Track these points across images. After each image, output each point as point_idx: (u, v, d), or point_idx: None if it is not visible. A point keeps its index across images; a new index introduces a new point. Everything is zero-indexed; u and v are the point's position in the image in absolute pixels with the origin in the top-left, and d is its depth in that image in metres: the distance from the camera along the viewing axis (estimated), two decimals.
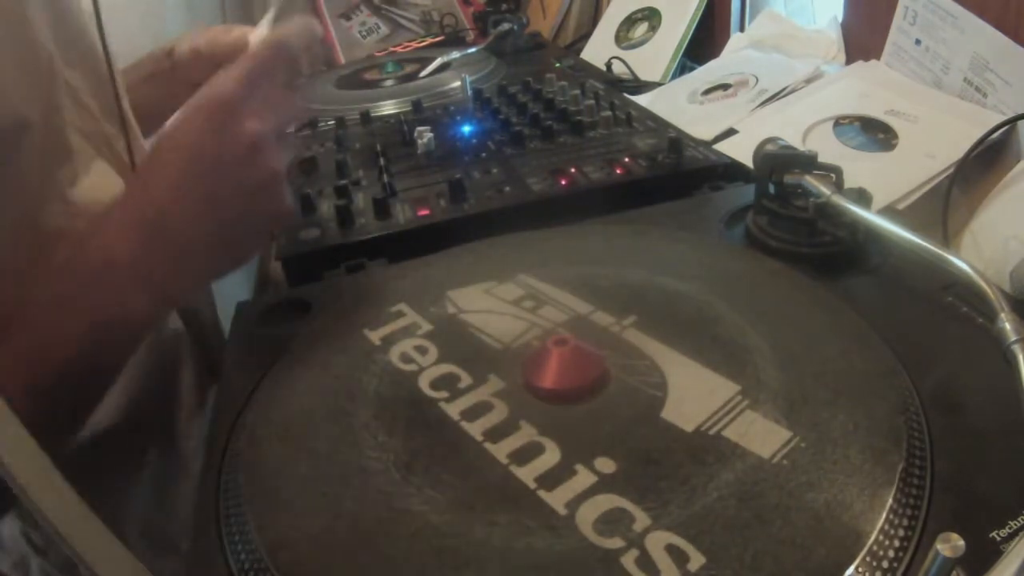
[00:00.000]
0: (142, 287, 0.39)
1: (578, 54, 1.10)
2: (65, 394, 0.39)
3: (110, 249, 0.38)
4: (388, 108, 0.85)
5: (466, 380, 0.37)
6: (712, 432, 0.32)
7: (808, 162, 0.45)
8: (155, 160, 0.41)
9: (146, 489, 0.55)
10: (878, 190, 0.46)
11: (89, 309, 0.38)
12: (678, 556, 0.26)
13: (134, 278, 0.38)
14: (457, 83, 0.88)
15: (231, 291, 0.63)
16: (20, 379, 0.36)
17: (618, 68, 1.00)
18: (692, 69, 0.93)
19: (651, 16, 1.04)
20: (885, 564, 0.26)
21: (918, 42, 0.68)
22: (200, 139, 0.40)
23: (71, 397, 0.40)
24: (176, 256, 0.40)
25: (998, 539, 0.27)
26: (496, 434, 0.33)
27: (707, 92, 0.82)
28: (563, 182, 0.60)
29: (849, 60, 0.80)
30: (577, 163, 0.63)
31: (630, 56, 1.00)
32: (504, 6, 1.23)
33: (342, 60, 1.20)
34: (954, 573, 0.22)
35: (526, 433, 0.33)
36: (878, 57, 0.74)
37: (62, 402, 0.39)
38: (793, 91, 0.75)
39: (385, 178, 0.62)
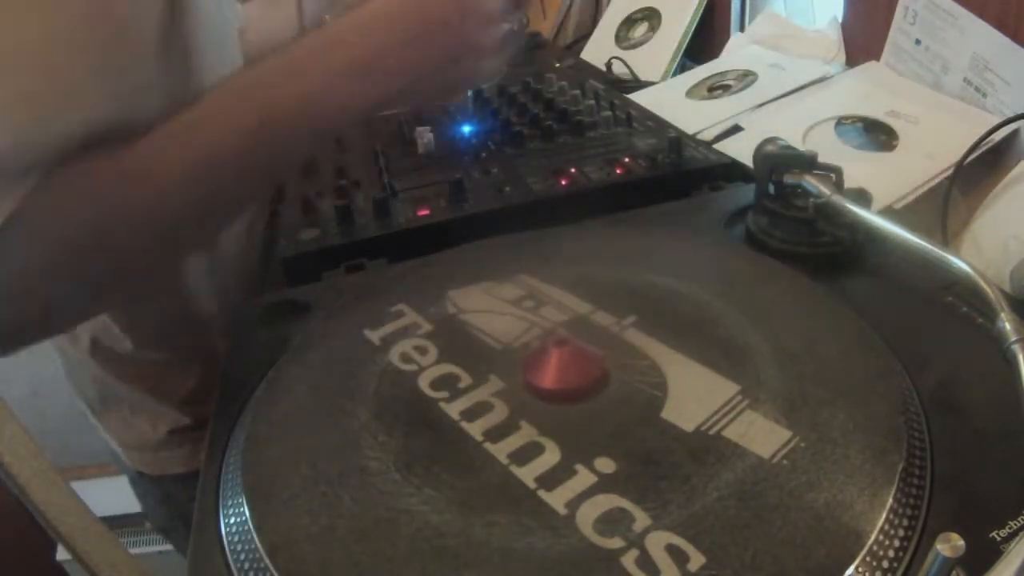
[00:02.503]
0: (345, 76, 0.43)
1: (578, 54, 1.10)
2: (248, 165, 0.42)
3: (337, 39, 0.44)
4: None
5: (466, 380, 0.37)
6: (712, 432, 0.32)
7: (808, 162, 0.45)
8: None
9: None
10: (878, 190, 0.46)
11: (307, 77, 0.42)
12: (678, 556, 0.26)
13: (343, 70, 0.43)
14: None
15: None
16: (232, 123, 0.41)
17: (618, 68, 1.00)
18: (692, 69, 0.93)
19: (651, 16, 1.04)
20: (885, 564, 0.26)
21: (918, 42, 0.68)
22: None
23: (244, 173, 0.43)
24: (379, 64, 0.44)
25: (998, 539, 0.27)
26: (496, 434, 0.33)
27: (708, 89, 0.82)
28: (563, 182, 0.60)
29: (849, 60, 0.80)
30: (577, 163, 0.63)
31: (630, 56, 1.00)
32: None
33: None
34: (954, 573, 0.22)
35: (526, 433, 0.33)
36: (878, 57, 0.74)
37: (227, 178, 0.42)
38: (794, 91, 0.75)
39: (385, 178, 0.62)
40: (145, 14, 0.42)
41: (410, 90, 0.46)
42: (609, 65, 1.01)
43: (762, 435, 0.31)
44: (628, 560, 0.26)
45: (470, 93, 0.82)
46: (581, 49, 1.13)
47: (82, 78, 0.38)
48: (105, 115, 0.38)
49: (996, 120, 0.57)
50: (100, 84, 0.39)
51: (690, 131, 0.71)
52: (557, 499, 0.29)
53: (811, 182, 0.44)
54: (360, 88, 0.43)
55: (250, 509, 0.31)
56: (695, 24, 0.97)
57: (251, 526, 0.30)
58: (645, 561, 0.26)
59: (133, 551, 1.19)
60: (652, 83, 0.94)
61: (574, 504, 0.29)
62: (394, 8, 0.45)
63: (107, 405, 0.66)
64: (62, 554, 1.38)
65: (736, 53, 0.91)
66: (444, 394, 0.36)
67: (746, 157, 0.51)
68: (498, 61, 0.49)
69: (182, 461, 0.66)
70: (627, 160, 0.62)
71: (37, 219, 0.36)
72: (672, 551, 0.26)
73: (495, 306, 0.42)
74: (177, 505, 0.70)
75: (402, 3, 0.45)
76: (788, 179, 0.45)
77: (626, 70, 0.99)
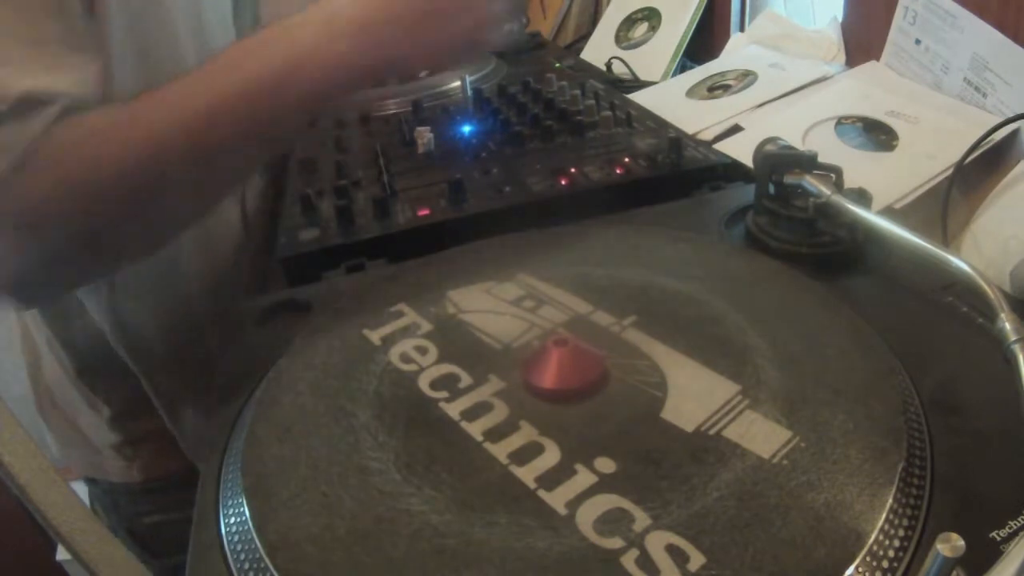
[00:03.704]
0: (347, 39, 0.43)
1: (578, 54, 1.10)
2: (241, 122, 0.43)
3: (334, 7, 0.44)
4: (388, 108, 0.85)
5: (466, 380, 0.37)
6: (712, 432, 0.32)
7: (808, 162, 0.45)
8: None
9: None
10: (878, 190, 0.46)
11: (297, 41, 0.43)
12: (678, 556, 0.26)
13: (342, 32, 0.43)
14: (457, 83, 0.88)
15: None
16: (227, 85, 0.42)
17: (618, 68, 1.00)
18: (692, 69, 0.93)
19: (651, 16, 1.04)
20: (885, 564, 0.26)
21: (918, 42, 0.68)
22: None
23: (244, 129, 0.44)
24: (381, 27, 0.44)
25: (998, 539, 0.27)
26: (496, 434, 0.33)
27: (708, 89, 0.82)
28: (563, 182, 0.60)
29: (849, 60, 0.80)
30: (577, 163, 0.63)
31: (630, 56, 1.00)
32: None
33: None
34: (954, 573, 0.22)
35: (526, 433, 0.33)
36: (878, 57, 0.74)
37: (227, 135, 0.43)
38: (793, 91, 0.76)
39: (385, 178, 0.62)
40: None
41: (404, 51, 0.45)
42: (609, 65, 1.01)
43: (762, 435, 0.31)
44: (628, 560, 0.26)
45: (470, 93, 0.82)
46: (581, 49, 1.13)
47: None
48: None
49: (996, 120, 0.57)
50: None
51: (690, 131, 0.71)
52: (557, 499, 0.29)
53: (811, 182, 0.44)
54: (349, 48, 0.44)
55: (250, 509, 0.31)
56: (695, 24, 0.97)
57: (251, 526, 0.30)
58: (645, 561, 0.26)
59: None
60: (652, 83, 0.94)
61: (574, 504, 0.29)
62: None
63: (54, 402, 0.68)
64: (62, 554, 1.38)
65: (736, 53, 0.91)
66: (444, 394, 0.36)
67: (746, 157, 0.51)
68: (494, 30, 0.48)
69: (120, 472, 0.67)
70: (627, 160, 0.62)
71: (46, 161, 0.40)
72: (672, 551, 0.26)
73: (495, 306, 0.42)
74: (123, 514, 0.70)
75: None
76: (788, 179, 0.45)
77: (626, 70, 0.99)
